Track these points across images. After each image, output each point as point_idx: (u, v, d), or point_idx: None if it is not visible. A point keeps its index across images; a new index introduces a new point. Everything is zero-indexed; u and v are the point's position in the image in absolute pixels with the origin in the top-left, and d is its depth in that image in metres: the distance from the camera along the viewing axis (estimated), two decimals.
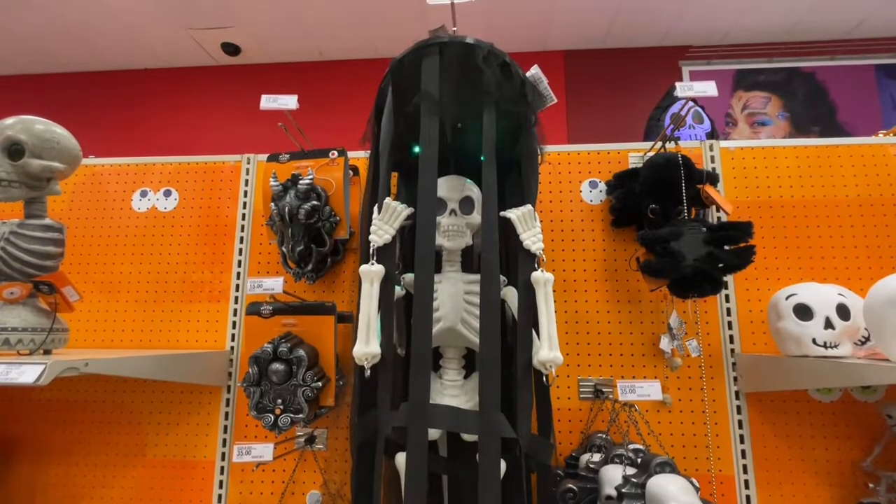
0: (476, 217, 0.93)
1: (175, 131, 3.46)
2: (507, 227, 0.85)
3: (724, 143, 1.24)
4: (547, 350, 0.76)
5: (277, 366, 1.00)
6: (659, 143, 1.17)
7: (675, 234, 0.99)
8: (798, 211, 1.20)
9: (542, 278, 0.79)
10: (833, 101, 3.22)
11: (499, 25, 3.06)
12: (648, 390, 0.97)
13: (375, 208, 0.81)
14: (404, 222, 0.82)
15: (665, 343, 1.11)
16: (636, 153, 1.24)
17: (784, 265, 1.17)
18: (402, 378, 0.92)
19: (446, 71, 0.77)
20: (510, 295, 0.89)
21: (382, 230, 0.79)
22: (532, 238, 0.81)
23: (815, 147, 1.22)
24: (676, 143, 1.18)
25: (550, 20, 3.06)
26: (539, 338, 0.78)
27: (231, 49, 3.35)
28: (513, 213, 0.82)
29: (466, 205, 0.91)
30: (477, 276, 0.89)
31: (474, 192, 0.94)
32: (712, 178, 1.10)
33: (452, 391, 0.86)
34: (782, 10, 2.97)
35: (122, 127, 3.49)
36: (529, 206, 0.82)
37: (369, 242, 0.79)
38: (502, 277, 0.89)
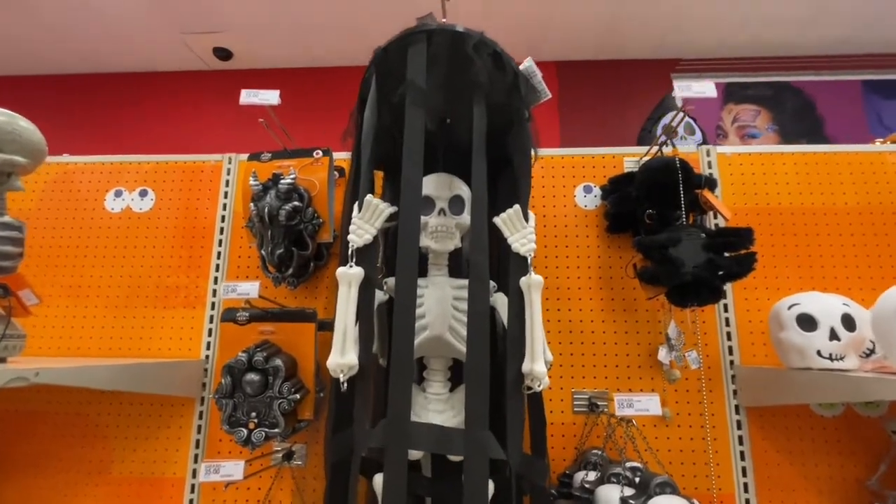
0: (466, 217, 0.87)
1: (166, 135, 3.40)
2: (498, 230, 0.80)
3: (721, 149, 1.21)
4: (528, 362, 0.70)
5: (252, 376, 0.94)
6: (655, 148, 1.14)
7: (674, 240, 0.95)
8: (796, 218, 1.17)
9: (526, 282, 0.74)
10: (820, 115, 3.27)
11: (492, 36, 3.06)
12: (647, 404, 0.91)
13: (356, 206, 0.75)
14: (388, 223, 0.76)
15: (663, 354, 1.06)
16: (632, 157, 1.21)
17: (783, 274, 1.14)
18: (384, 391, 0.86)
19: (434, 60, 0.72)
20: (500, 302, 0.83)
21: (363, 230, 0.73)
22: (521, 240, 0.75)
23: (812, 154, 1.20)
24: (673, 146, 1.14)
25: (544, 31, 3.07)
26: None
27: (223, 54, 3.32)
28: (498, 218, 0.77)
29: (456, 204, 0.86)
30: (465, 281, 0.84)
31: (464, 190, 0.89)
32: (711, 183, 1.06)
33: (437, 405, 0.80)
34: (772, 27, 3.02)
35: (112, 130, 3.44)
36: (517, 207, 0.77)
37: (348, 243, 0.73)
38: (492, 283, 0.84)
